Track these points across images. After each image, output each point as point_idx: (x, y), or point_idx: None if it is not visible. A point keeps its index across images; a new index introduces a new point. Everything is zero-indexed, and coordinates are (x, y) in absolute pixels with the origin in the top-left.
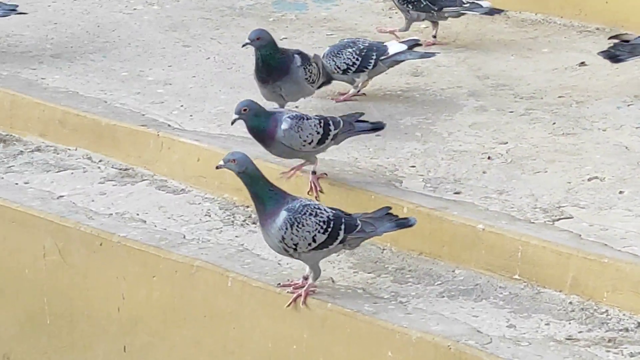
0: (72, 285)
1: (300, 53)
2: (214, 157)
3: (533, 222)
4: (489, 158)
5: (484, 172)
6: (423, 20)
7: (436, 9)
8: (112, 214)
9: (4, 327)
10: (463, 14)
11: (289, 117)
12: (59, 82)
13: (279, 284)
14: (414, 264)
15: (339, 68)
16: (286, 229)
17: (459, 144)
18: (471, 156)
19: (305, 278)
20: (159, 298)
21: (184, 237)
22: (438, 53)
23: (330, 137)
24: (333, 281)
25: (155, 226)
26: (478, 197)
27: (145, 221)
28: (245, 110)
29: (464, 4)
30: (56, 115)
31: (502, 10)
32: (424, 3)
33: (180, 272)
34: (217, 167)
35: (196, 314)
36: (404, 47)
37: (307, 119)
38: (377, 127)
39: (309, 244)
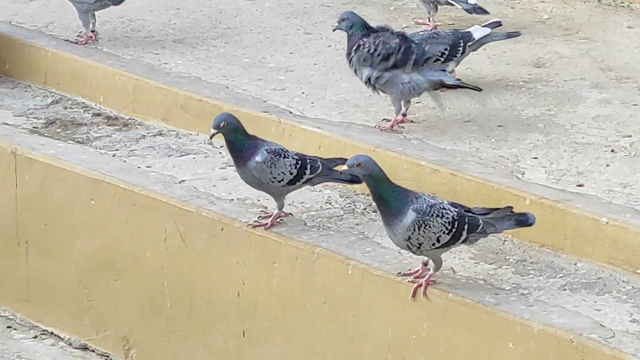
0: (193, 269)
1: (270, 149)
2: (335, 145)
3: None
4: (612, 151)
5: (607, 165)
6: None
7: None
8: (233, 200)
9: (125, 309)
10: (450, 4)
11: (266, 149)
12: (182, 67)
13: (399, 272)
14: (536, 256)
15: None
16: (414, 230)
17: (582, 136)
18: (594, 149)
19: (425, 264)
20: (279, 284)
21: (305, 224)
22: (521, 34)
23: (302, 180)
24: (454, 271)
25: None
26: (601, 190)
27: (266, 207)
28: (223, 125)
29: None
30: (178, 100)
31: (486, 12)
32: None
33: (301, 258)
34: (341, 173)
35: (316, 301)
36: (488, 30)
37: (285, 157)
38: (353, 180)
39: (433, 244)
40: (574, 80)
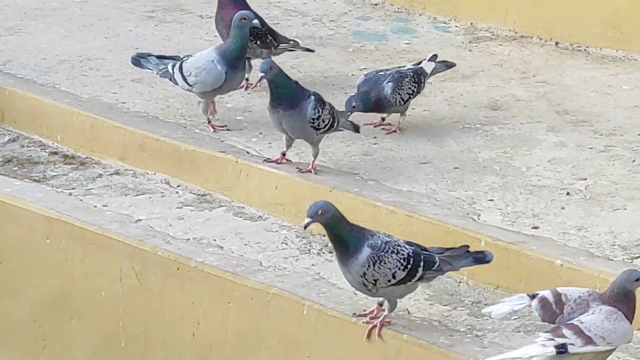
0: (148, 308)
1: (317, 96)
2: (291, 185)
3: (612, 259)
4: (567, 194)
5: (562, 208)
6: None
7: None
8: (189, 239)
9: (79, 348)
10: (291, 50)
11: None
12: (140, 106)
13: (355, 313)
14: (491, 297)
15: (402, 100)
16: (369, 266)
17: (537, 178)
18: (550, 191)
19: (380, 304)
20: (234, 324)
21: (261, 264)
22: (455, 64)
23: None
24: (409, 312)
25: (232, 252)
26: (556, 233)
27: (222, 247)
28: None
29: (289, 42)
30: (136, 140)
31: (312, 50)
32: (269, 39)
33: (256, 299)
34: (305, 227)
35: (271, 341)
36: (433, 64)
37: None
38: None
39: (389, 280)
40: (530, 123)
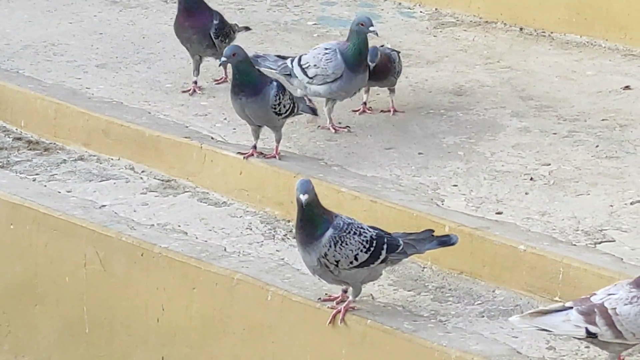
0: (112, 294)
1: (278, 82)
2: (256, 171)
3: (575, 245)
4: (531, 179)
5: (526, 193)
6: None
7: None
8: (153, 225)
9: (43, 334)
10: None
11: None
12: (104, 92)
13: (319, 298)
14: (454, 283)
15: (399, 74)
16: (330, 246)
17: (501, 164)
18: (514, 177)
19: (345, 291)
20: (198, 310)
21: (225, 249)
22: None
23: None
24: (373, 298)
25: (197, 238)
26: (520, 218)
27: (186, 233)
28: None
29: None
30: (100, 125)
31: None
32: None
33: (221, 284)
34: (305, 205)
35: (235, 327)
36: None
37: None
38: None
39: (351, 262)
40: (494, 108)
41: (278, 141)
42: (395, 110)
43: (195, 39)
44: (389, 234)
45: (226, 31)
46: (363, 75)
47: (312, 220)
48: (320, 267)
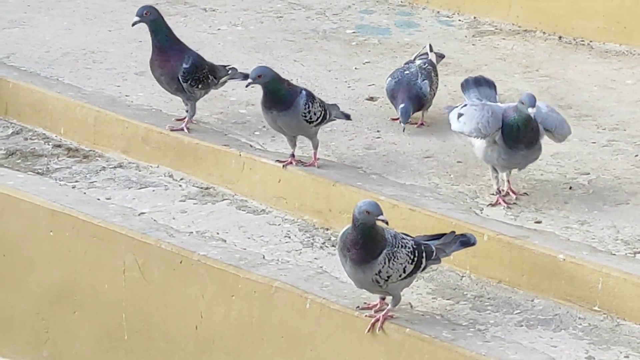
0: (151, 302)
1: (307, 91)
2: (294, 179)
3: (614, 254)
4: (570, 188)
5: (565, 202)
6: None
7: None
8: (192, 232)
9: (82, 341)
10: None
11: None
12: (143, 100)
13: (358, 306)
14: (493, 292)
15: (434, 94)
16: (384, 263)
17: (540, 173)
18: (553, 186)
19: (383, 299)
20: (236, 317)
21: (264, 257)
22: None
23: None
24: (411, 306)
25: (235, 246)
26: (559, 227)
27: (225, 240)
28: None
29: (228, 72)
30: (139, 133)
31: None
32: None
33: (259, 292)
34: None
35: (273, 334)
36: (434, 54)
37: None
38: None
39: (400, 275)
40: None
41: (315, 148)
42: (422, 124)
43: (164, 80)
44: (414, 238)
45: (198, 76)
46: (526, 152)
47: (374, 241)
48: (371, 282)
